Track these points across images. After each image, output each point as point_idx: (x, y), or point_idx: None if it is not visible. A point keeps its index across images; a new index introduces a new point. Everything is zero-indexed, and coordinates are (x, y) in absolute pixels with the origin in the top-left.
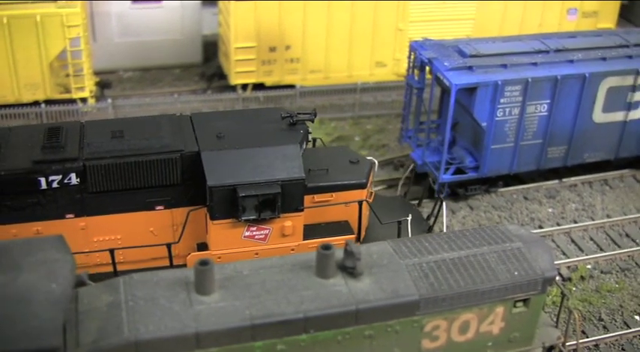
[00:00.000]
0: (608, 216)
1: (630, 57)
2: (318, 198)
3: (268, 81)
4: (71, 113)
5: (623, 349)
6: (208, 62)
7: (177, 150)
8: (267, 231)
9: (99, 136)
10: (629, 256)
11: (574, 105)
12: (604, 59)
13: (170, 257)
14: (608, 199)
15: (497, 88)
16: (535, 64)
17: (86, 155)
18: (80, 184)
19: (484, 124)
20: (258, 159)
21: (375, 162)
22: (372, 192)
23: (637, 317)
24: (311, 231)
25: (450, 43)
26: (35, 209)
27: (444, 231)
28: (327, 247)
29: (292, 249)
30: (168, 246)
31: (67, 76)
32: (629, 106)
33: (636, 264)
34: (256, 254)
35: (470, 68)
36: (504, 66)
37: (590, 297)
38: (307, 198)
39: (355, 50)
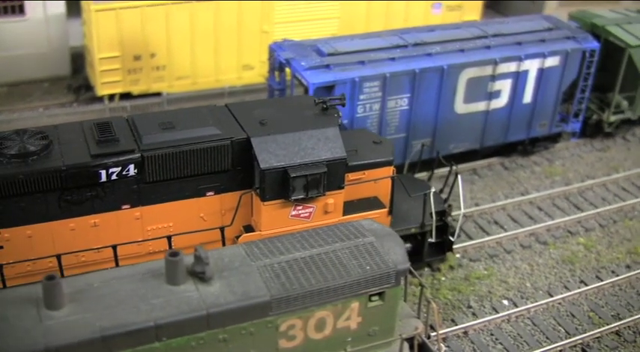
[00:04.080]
0: (477, 205)
1: (488, 47)
2: (352, 176)
3: (135, 90)
4: None
5: (491, 334)
6: (77, 74)
7: (228, 138)
8: (311, 210)
9: (150, 129)
10: (497, 243)
11: (435, 98)
12: (462, 51)
13: (223, 240)
14: (477, 188)
15: (355, 85)
16: (393, 59)
17: (143, 146)
18: (137, 175)
19: (345, 122)
20: (302, 141)
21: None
22: (394, 169)
23: (505, 302)
24: (347, 207)
25: (308, 42)
26: (94, 202)
27: (462, 203)
28: (174, 254)
29: None
30: (222, 229)
31: None
32: (490, 96)
33: (504, 249)
34: None
35: (327, 66)
36: (362, 63)
37: (459, 286)
38: None
39: (221, 54)
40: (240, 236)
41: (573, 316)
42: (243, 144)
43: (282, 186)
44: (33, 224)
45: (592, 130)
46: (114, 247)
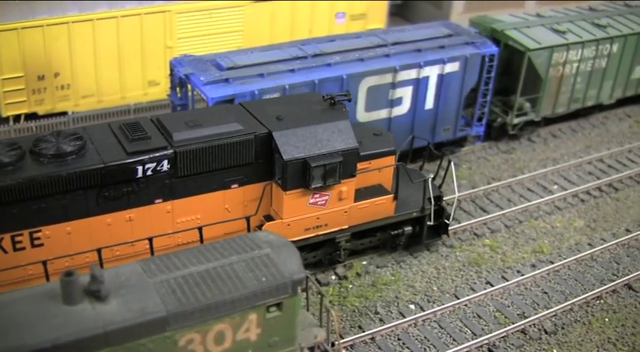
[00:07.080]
0: None
1: (388, 55)
2: (359, 166)
3: (40, 110)
4: None
5: (399, 339)
6: None
7: (251, 132)
8: (327, 197)
9: (178, 126)
10: (403, 248)
11: None
12: (362, 60)
13: (249, 229)
14: None
15: (254, 98)
16: (292, 70)
17: (175, 143)
18: (169, 170)
19: None
20: (318, 134)
21: None
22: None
23: (412, 306)
24: (356, 195)
25: (208, 57)
26: (129, 197)
27: (455, 188)
28: (69, 274)
29: (345, 212)
30: (247, 218)
31: None
32: (392, 103)
33: (410, 254)
34: (318, 219)
35: (226, 81)
36: (261, 75)
37: (366, 292)
38: None
39: (126, 71)
40: (262, 225)
41: (479, 317)
42: (265, 138)
43: (302, 175)
44: (73, 220)
45: (497, 133)
46: (150, 239)
